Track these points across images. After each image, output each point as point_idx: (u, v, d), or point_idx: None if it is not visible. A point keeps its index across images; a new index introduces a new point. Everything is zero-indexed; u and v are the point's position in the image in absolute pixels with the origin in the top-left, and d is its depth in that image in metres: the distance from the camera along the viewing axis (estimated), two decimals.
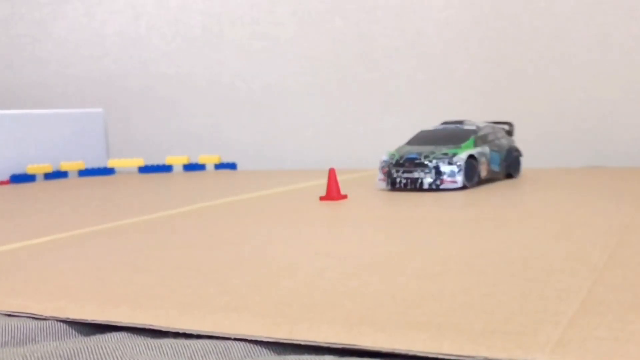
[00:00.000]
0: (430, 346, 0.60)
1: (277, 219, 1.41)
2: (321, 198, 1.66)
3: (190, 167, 2.76)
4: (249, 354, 0.66)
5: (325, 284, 0.83)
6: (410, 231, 1.20)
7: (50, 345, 0.67)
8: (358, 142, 2.73)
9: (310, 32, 2.79)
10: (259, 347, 0.66)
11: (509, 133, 2.05)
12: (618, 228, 1.12)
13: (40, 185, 2.44)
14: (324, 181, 1.77)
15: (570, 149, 2.41)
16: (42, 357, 0.64)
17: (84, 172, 2.70)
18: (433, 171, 1.70)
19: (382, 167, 1.77)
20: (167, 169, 2.78)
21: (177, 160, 2.78)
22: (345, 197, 1.67)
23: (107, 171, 2.74)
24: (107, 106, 3.01)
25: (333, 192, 1.65)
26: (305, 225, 1.32)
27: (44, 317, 0.77)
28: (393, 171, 1.74)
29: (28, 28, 3.32)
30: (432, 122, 2.61)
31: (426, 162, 1.71)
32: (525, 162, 2.39)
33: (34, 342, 0.73)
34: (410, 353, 0.60)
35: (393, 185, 1.74)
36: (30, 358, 0.64)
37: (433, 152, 1.73)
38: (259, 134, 2.90)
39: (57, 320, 0.76)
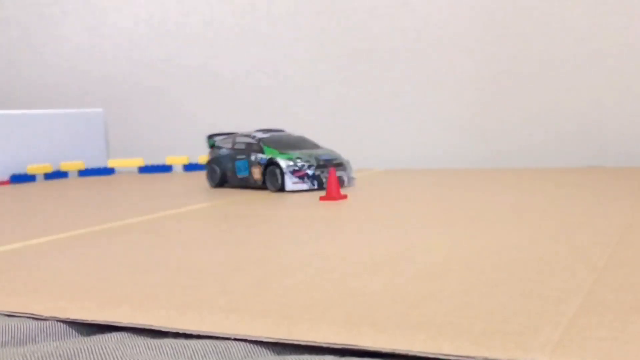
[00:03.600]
0: (430, 346, 0.60)
1: (277, 219, 1.41)
2: (321, 198, 1.66)
3: (190, 167, 2.76)
4: (249, 354, 0.66)
5: (325, 284, 0.83)
6: (410, 231, 1.20)
7: (50, 345, 0.67)
8: (358, 142, 2.73)
9: (311, 32, 2.78)
10: (259, 347, 0.66)
11: None
12: (618, 228, 1.12)
13: (40, 185, 2.44)
14: None
15: (570, 149, 2.41)
16: (42, 357, 0.64)
17: (84, 172, 2.70)
18: (348, 168, 1.94)
19: (297, 171, 1.85)
20: (167, 169, 2.78)
21: (177, 160, 2.77)
22: (345, 197, 1.67)
23: (107, 171, 2.74)
24: (107, 106, 3.01)
25: (333, 192, 1.65)
26: (305, 225, 1.32)
27: (44, 318, 0.77)
28: (318, 172, 1.86)
29: (28, 28, 3.32)
30: (432, 122, 2.61)
31: (342, 162, 1.92)
32: (525, 162, 2.39)
33: (34, 342, 0.73)
34: (410, 353, 0.60)
35: (321, 185, 1.86)
36: (31, 358, 0.64)
37: (334, 154, 1.95)
38: None
39: (57, 321, 0.76)
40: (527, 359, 0.56)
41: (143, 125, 3.10)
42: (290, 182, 1.85)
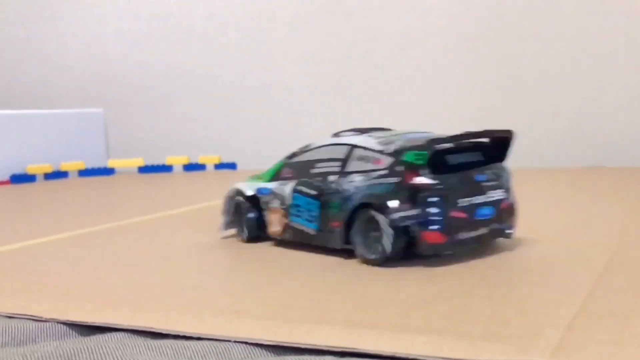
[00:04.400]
0: (431, 349, 0.60)
1: None
2: None
3: (190, 167, 2.76)
4: (248, 355, 0.66)
5: (325, 286, 0.82)
6: None
7: (50, 345, 0.67)
8: None
9: (311, 33, 2.78)
10: (259, 349, 0.66)
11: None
12: (618, 229, 1.11)
13: (40, 185, 2.44)
14: None
15: (570, 149, 2.41)
16: (42, 357, 0.64)
17: (84, 172, 2.70)
18: None
19: None
20: (167, 169, 2.78)
21: (177, 160, 2.77)
22: None
23: (107, 171, 2.74)
24: (107, 106, 3.01)
25: None
26: None
27: (44, 319, 0.77)
28: None
29: (28, 28, 3.32)
30: (432, 122, 2.59)
31: None
32: (525, 162, 2.39)
33: (34, 342, 0.73)
34: (411, 356, 0.60)
35: None
36: (31, 358, 0.64)
37: None
38: (259, 134, 2.90)
39: (57, 322, 0.76)
40: None
41: (143, 125, 3.10)
42: None
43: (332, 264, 0.94)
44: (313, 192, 1.03)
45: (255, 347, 0.66)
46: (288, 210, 1.06)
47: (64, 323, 0.76)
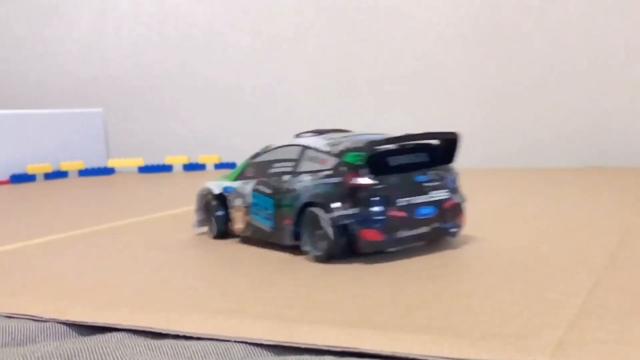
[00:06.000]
0: (431, 349, 0.60)
1: None
2: None
3: (190, 167, 2.76)
4: (248, 355, 0.66)
5: (325, 285, 0.82)
6: None
7: (50, 345, 0.67)
8: None
9: (311, 33, 2.78)
10: (259, 349, 0.66)
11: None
12: (618, 230, 1.11)
13: (40, 185, 2.44)
14: None
15: (570, 149, 2.41)
16: (42, 357, 0.64)
17: (84, 172, 2.70)
18: None
19: None
20: (167, 169, 2.78)
21: (177, 160, 2.77)
22: None
23: (107, 171, 2.74)
24: (107, 106, 3.01)
25: None
26: None
27: (44, 319, 0.77)
28: None
29: (28, 28, 3.32)
30: (432, 122, 2.60)
31: None
32: (525, 162, 2.39)
33: (34, 342, 0.73)
34: (411, 356, 0.60)
35: None
36: (31, 358, 0.64)
37: None
38: (259, 134, 2.90)
39: (57, 322, 0.76)
40: None
41: (143, 125, 3.10)
42: None
43: (332, 264, 0.94)
44: (269, 191, 1.10)
45: (256, 347, 0.66)
46: (249, 209, 1.13)
47: (64, 323, 0.76)
